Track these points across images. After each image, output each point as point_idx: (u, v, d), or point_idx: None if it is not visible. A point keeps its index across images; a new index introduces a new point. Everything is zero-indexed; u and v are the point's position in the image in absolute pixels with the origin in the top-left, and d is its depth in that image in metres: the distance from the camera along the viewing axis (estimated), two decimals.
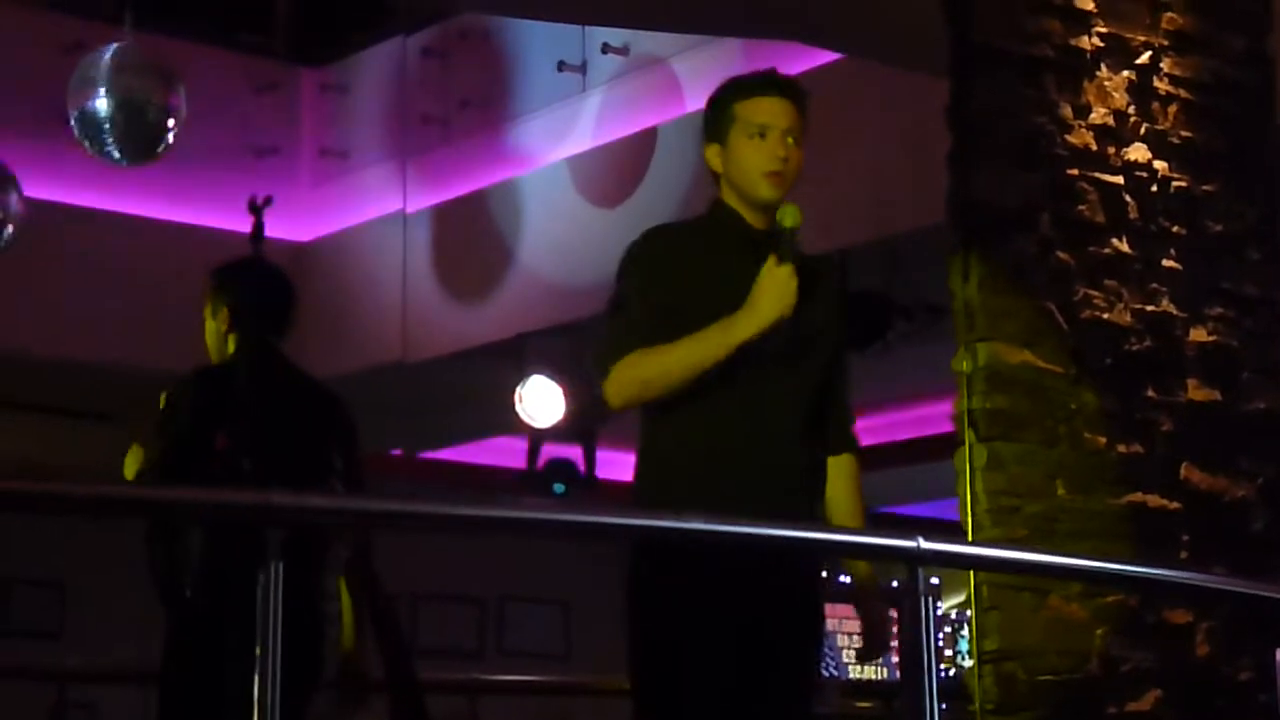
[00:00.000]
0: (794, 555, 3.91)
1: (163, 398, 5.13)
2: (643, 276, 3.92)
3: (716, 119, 3.98)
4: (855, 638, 10.28)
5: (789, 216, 3.86)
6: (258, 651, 3.02)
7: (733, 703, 3.81)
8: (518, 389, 9.33)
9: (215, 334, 5.28)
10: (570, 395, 9.16)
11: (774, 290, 3.76)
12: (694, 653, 3.76)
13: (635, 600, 3.85)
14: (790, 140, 3.94)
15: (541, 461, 10.27)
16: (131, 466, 5.09)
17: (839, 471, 4.07)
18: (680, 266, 3.90)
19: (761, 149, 3.91)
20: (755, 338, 3.76)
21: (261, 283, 5.25)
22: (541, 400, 9.30)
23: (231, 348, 5.23)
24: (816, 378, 3.94)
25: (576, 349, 8.86)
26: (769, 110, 3.92)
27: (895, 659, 10.11)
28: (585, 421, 9.29)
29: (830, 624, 10.10)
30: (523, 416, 9.35)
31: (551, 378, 9.24)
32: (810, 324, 3.89)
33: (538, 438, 10.02)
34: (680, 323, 3.82)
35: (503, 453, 12.11)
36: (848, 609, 10.20)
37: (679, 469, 3.84)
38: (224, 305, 5.25)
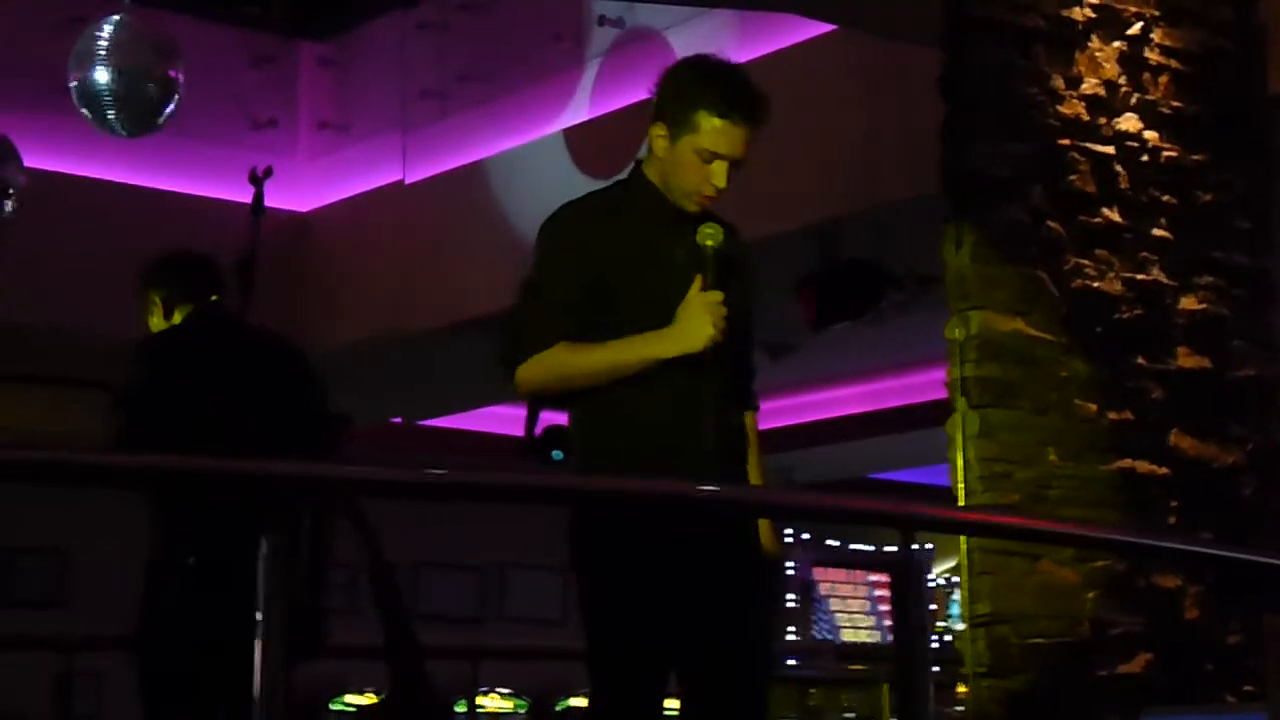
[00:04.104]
0: (741, 521, 3.92)
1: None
2: (559, 257, 3.89)
3: (674, 110, 3.87)
4: (849, 601, 10.41)
5: (711, 238, 3.83)
6: (259, 617, 3.07)
7: (684, 668, 3.85)
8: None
9: (160, 325, 5.31)
10: None
11: (703, 316, 3.76)
12: (641, 619, 3.79)
13: (583, 568, 3.87)
14: (735, 169, 3.87)
15: (540, 428, 10.33)
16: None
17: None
18: (598, 242, 3.88)
19: (704, 172, 3.84)
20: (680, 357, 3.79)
21: (180, 257, 5.30)
22: None
23: (178, 319, 5.26)
24: (737, 350, 3.96)
25: None
26: (727, 141, 3.83)
27: (889, 623, 10.18)
28: None
29: (823, 588, 10.20)
30: None
31: None
32: (731, 307, 3.86)
33: (536, 405, 10.08)
34: (599, 300, 3.82)
35: (501, 420, 12.18)
36: (840, 573, 10.30)
37: (614, 450, 3.85)
38: (152, 292, 5.29)
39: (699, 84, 3.88)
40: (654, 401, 3.84)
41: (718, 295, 3.79)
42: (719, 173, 3.85)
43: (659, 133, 3.89)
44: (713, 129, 3.83)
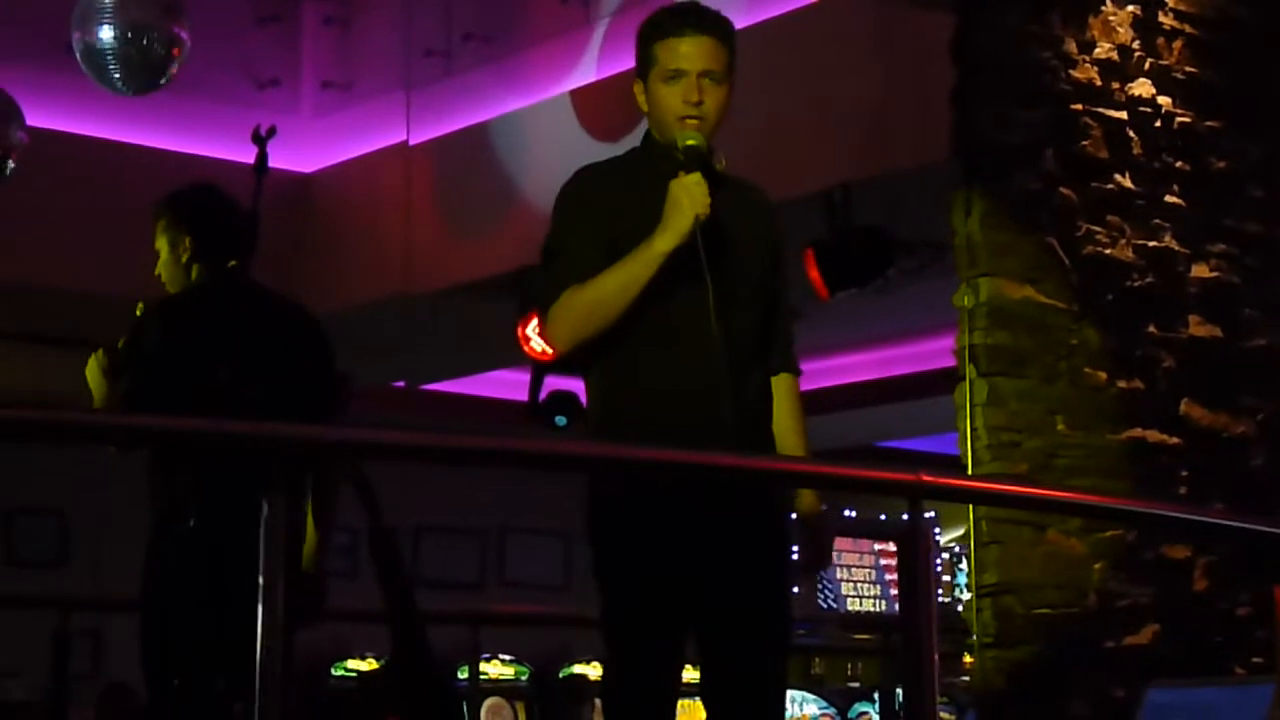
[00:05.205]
0: (755, 490, 3.88)
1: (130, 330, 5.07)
2: (575, 218, 3.91)
3: (639, 58, 3.93)
4: (853, 570, 10.39)
5: (692, 138, 3.83)
6: (260, 580, 3.03)
7: (704, 637, 3.81)
8: (524, 322, 9.33)
9: (175, 264, 5.21)
10: None
11: (684, 196, 3.75)
12: (658, 588, 3.76)
13: (598, 536, 3.84)
14: (707, 81, 3.85)
15: (543, 394, 10.30)
16: (94, 373, 5.05)
17: (777, 393, 4.02)
18: (613, 204, 3.89)
19: (675, 94, 3.85)
20: (679, 245, 3.75)
21: (224, 209, 5.20)
22: None
23: (195, 276, 5.18)
24: (756, 305, 3.92)
25: None
26: (684, 53, 3.84)
27: (894, 592, 10.16)
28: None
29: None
30: (531, 349, 9.35)
31: None
32: (741, 242, 3.87)
33: (540, 370, 10.04)
34: (614, 259, 3.81)
35: (505, 385, 12.14)
36: (845, 542, 10.27)
37: (629, 417, 3.83)
38: (185, 235, 5.19)
39: (648, 24, 3.94)
40: (668, 367, 3.81)
41: (695, 176, 3.77)
42: (689, 88, 3.85)
43: (638, 89, 3.94)
44: (667, 51, 3.86)
